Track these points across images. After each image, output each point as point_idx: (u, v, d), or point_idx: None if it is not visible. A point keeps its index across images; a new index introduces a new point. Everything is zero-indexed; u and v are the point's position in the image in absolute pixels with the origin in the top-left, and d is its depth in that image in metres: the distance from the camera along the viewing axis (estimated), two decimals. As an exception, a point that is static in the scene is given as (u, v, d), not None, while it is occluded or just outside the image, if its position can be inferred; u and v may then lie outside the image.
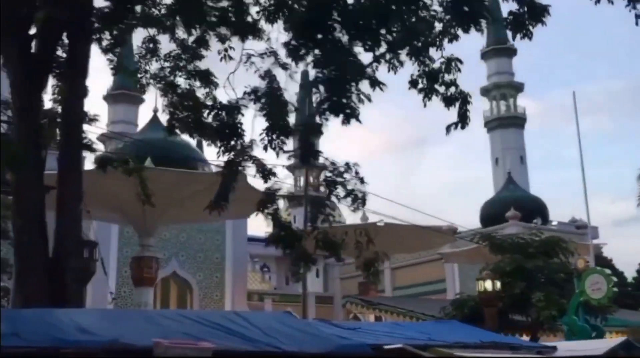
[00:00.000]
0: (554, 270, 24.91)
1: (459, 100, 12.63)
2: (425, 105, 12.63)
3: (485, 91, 64.20)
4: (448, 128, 12.65)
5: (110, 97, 58.28)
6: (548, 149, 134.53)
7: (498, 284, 24.85)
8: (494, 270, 25.48)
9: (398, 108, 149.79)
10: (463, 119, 12.59)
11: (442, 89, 12.70)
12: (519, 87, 63.76)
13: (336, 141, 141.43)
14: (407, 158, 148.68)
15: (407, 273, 55.83)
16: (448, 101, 12.64)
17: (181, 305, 35.26)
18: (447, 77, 12.69)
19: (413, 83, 12.39)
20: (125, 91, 56.37)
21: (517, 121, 62.46)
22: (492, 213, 50.70)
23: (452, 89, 12.69)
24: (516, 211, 47.66)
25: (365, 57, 11.18)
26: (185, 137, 41.18)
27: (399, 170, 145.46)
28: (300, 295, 46.23)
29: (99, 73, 13.69)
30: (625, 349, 10.59)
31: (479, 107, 65.44)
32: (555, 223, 51.53)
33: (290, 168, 67.47)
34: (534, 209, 50.77)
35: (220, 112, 11.41)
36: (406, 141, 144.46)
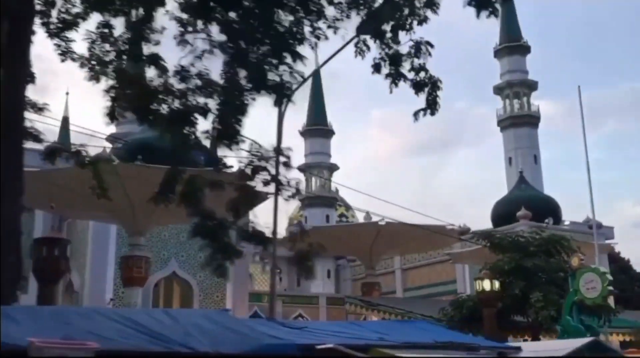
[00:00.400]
0: (553, 269, 23.94)
1: (428, 85, 11.89)
2: (391, 91, 11.89)
3: (498, 90, 63.14)
4: (416, 114, 11.90)
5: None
6: (574, 151, 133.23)
7: (497, 284, 23.97)
8: (492, 269, 24.59)
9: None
10: (432, 105, 11.83)
11: (411, 74, 12.00)
12: (532, 86, 62.51)
13: (358, 143, 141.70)
14: (431, 160, 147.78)
15: (418, 274, 55.05)
16: (417, 87, 11.89)
17: (183, 306, 34.63)
18: (417, 62, 11.97)
19: (376, 67, 11.65)
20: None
21: (530, 120, 61.20)
22: (502, 213, 49.66)
23: (422, 74, 11.97)
24: (527, 211, 46.61)
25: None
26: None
27: (422, 171, 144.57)
28: (313, 296, 45.67)
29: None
30: (592, 350, 9.75)
31: (493, 107, 64.61)
32: (568, 222, 50.40)
33: (301, 169, 67.01)
34: (546, 208, 49.58)
35: (168, 98, 10.66)
36: (430, 143, 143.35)
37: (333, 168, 66.78)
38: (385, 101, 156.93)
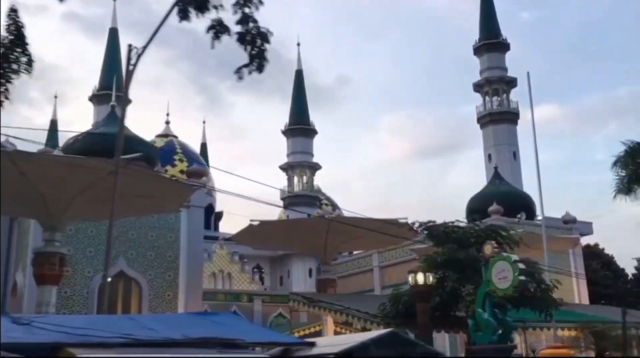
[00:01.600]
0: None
1: (255, 38, 9.83)
2: (212, 46, 9.82)
3: (477, 87, 60.97)
4: (238, 71, 9.82)
5: (95, 98, 56.32)
6: (578, 152, 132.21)
7: (430, 277, 21.86)
8: (426, 261, 22.50)
9: (428, 114, 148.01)
10: (259, 59, 9.75)
11: (238, 27, 9.96)
12: (511, 82, 60.27)
13: (368, 147, 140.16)
14: (438, 163, 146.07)
15: (395, 271, 52.80)
16: (242, 39, 9.84)
17: (132, 306, 32.60)
18: (245, 11, 9.92)
19: (182, 13, 9.60)
20: (110, 92, 54.41)
21: (509, 117, 58.99)
22: (476, 208, 47.31)
23: (250, 26, 9.92)
24: (498, 206, 44.43)
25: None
26: (141, 133, 38.41)
27: (431, 174, 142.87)
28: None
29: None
30: (387, 342, 7.68)
31: (473, 104, 62.54)
32: (540, 217, 48.04)
33: (284, 168, 65.01)
34: (520, 204, 47.33)
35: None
36: (437, 146, 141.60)
37: (315, 167, 64.66)
38: (395, 106, 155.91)
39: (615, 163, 34.88)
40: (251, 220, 32.58)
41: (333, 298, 28.15)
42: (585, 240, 64.21)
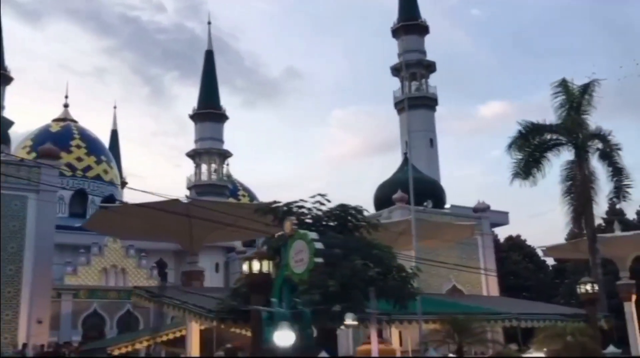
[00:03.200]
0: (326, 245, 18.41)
1: None
2: None
3: (395, 71, 58.05)
4: None
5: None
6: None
7: (269, 265, 18.47)
8: (264, 246, 19.18)
9: (379, 108, 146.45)
10: None
11: None
12: (430, 67, 57.57)
13: (319, 141, 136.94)
14: (389, 158, 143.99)
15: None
16: None
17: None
18: None
19: None
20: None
21: (427, 102, 56.29)
22: (382, 196, 44.76)
23: None
24: (403, 193, 41.54)
25: None
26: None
27: (380, 169, 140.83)
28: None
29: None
30: None
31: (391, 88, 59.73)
32: (449, 205, 45.54)
33: (191, 155, 61.21)
34: (428, 192, 44.50)
35: None
36: (388, 141, 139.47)
37: (226, 154, 60.97)
38: (346, 101, 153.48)
39: (509, 146, 32.20)
40: (100, 204, 28.77)
41: (178, 291, 24.57)
42: (507, 232, 62.22)
